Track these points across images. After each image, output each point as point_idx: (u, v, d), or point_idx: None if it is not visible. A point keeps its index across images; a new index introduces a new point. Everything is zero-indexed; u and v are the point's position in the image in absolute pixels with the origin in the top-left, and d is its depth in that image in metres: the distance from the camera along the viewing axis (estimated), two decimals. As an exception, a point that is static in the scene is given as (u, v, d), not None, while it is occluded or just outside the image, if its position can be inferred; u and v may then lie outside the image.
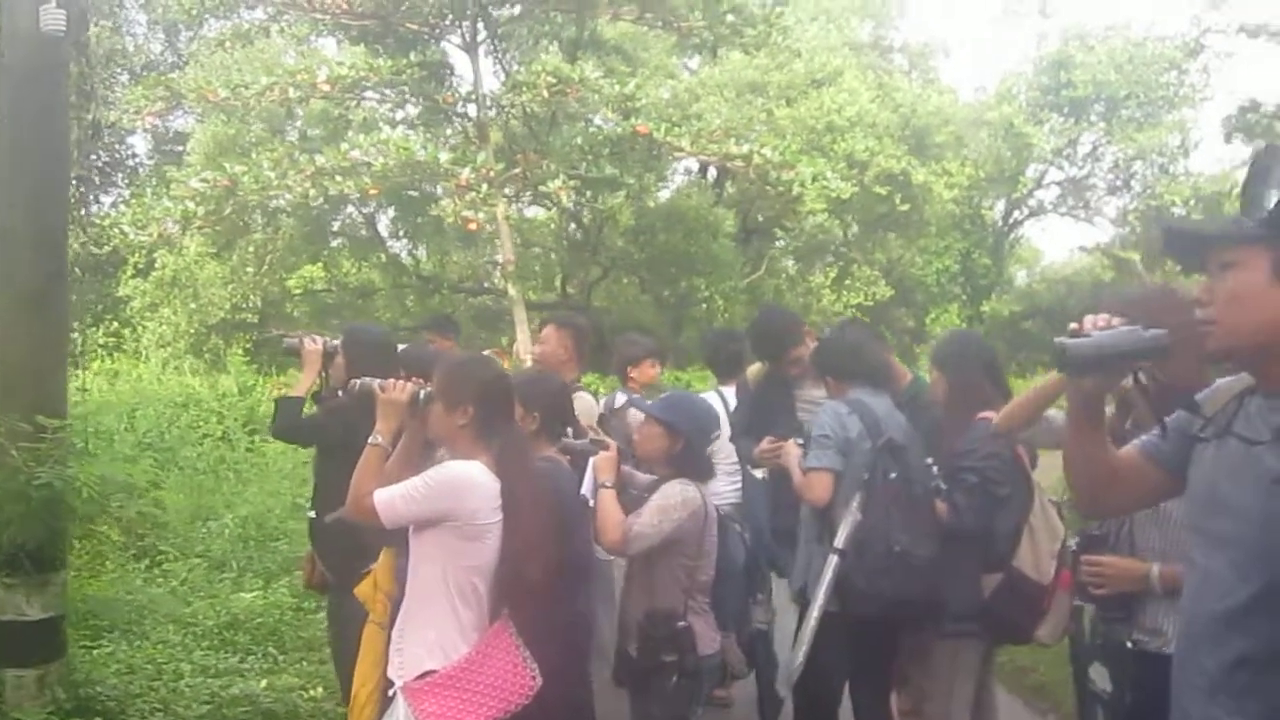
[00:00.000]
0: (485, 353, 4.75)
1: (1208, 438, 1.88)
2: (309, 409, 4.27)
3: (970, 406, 3.64)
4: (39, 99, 4.10)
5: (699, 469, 3.47)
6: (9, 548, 3.85)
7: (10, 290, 4.10)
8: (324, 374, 4.21)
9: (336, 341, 4.17)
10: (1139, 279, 20.80)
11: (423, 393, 2.92)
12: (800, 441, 3.93)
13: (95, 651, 4.85)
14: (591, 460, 3.63)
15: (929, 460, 3.68)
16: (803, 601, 3.69)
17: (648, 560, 3.42)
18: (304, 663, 5.20)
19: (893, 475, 3.57)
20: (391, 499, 2.75)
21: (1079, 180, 22.69)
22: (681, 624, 3.28)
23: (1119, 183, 22.20)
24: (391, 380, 2.97)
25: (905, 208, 19.44)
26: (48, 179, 4.19)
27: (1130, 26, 20.90)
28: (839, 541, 3.52)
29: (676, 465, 3.45)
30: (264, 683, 4.72)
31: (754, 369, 4.87)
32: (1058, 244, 69.31)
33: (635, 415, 4.30)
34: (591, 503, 3.56)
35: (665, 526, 3.32)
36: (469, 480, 2.77)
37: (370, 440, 2.89)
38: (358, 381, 3.07)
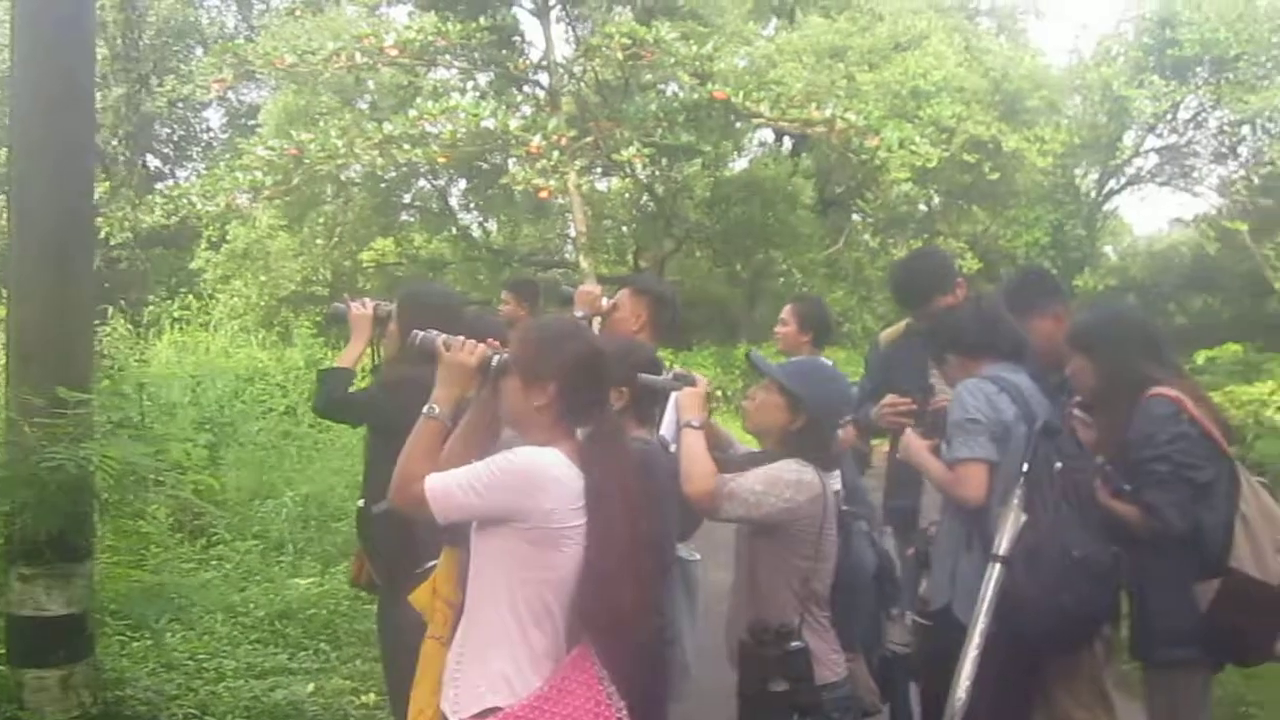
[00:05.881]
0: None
1: None
2: (363, 383, 3.78)
3: (1131, 388, 3.02)
4: (63, 60, 3.73)
5: (821, 455, 2.80)
6: (23, 537, 3.42)
7: (30, 250, 3.68)
8: (375, 345, 3.69)
9: (391, 305, 3.63)
10: (1245, 251, 19.66)
11: (496, 359, 2.37)
12: (920, 429, 3.32)
13: (134, 644, 4.46)
14: (674, 396, 3.00)
15: (1099, 459, 3.04)
16: (947, 620, 3.07)
17: (750, 558, 2.81)
18: (358, 660, 4.76)
19: (1058, 465, 2.95)
20: (447, 487, 2.20)
21: (1180, 147, 21.42)
22: (796, 644, 2.65)
23: (1225, 149, 20.90)
24: (460, 339, 2.41)
25: (994, 177, 18.50)
26: (71, 136, 3.77)
27: (1243, -20, 19.60)
28: (1002, 548, 2.89)
29: (792, 446, 2.79)
30: (312, 686, 4.28)
31: (889, 331, 4.25)
32: (1152, 216, 66.42)
33: None
34: (673, 447, 2.95)
35: (769, 502, 2.66)
36: (546, 472, 2.21)
37: (425, 411, 2.33)
38: (419, 334, 2.50)
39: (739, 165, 21.03)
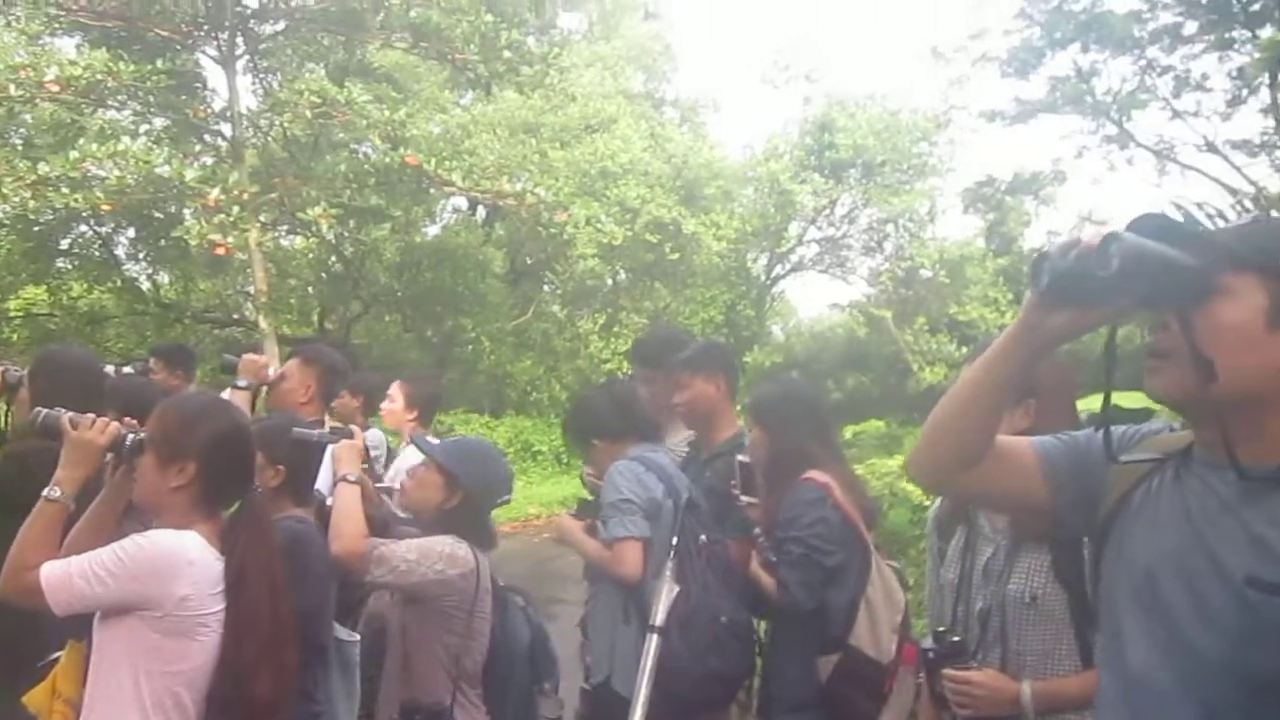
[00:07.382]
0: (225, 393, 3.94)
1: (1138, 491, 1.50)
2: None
3: (795, 467, 3.28)
4: None
5: (478, 534, 2.87)
6: None
7: None
8: (5, 413, 3.39)
9: (22, 371, 3.35)
10: (889, 336, 21.85)
11: (130, 437, 2.26)
12: (572, 512, 3.49)
13: None
14: (331, 449, 2.97)
15: (756, 531, 3.29)
16: (608, 693, 3.19)
17: (402, 636, 2.82)
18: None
19: (702, 538, 3.17)
20: (67, 575, 2.07)
21: (836, 239, 23.61)
22: None
23: (873, 243, 23.23)
24: (89, 416, 2.28)
25: (674, 257, 19.58)
26: None
27: (887, 97, 22.09)
28: (658, 619, 3.03)
29: (448, 523, 2.84)
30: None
31: None
32: (813, 299, 73.05)
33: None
34: (329, 501, 2.92)
35: (420, 571, 2.68)
36: (180, 556, 2.12)
37: (45, 493, 2.20)
38: (43, 411, 2.35)
39: (432, 231, 21.05)
